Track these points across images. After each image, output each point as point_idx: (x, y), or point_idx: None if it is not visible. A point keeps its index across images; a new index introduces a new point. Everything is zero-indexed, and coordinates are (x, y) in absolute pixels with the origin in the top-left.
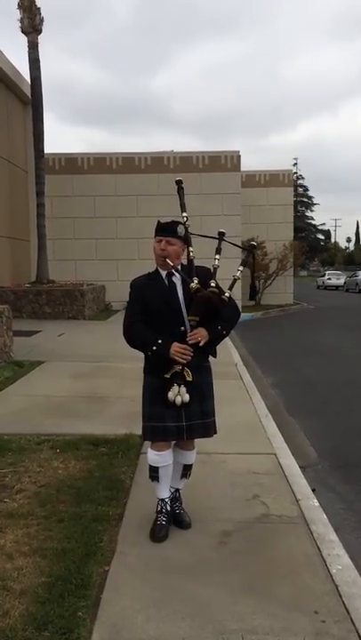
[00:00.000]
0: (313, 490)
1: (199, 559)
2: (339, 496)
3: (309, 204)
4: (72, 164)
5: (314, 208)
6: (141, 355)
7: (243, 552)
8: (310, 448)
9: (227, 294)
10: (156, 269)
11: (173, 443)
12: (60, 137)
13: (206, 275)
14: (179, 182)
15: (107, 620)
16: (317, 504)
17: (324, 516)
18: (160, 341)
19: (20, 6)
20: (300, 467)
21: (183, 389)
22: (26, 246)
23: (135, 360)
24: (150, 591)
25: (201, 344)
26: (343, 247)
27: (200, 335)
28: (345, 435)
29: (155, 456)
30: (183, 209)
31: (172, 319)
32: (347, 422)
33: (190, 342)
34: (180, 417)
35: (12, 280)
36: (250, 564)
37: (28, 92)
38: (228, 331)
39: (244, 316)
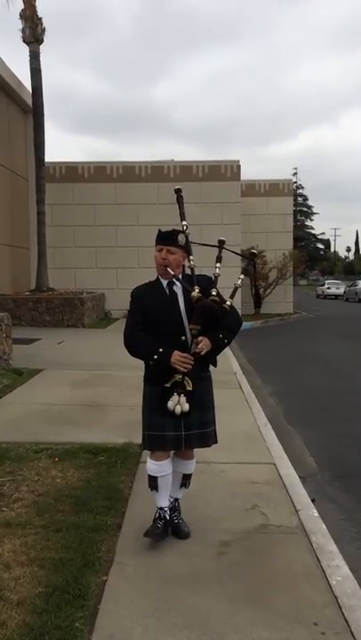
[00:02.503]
0: (312, 500)
1: (198, 570)
2: (338, 506)
3: (309, 214)
4: (73, 172)
5: (313, 217)
6: (141, 363)
7: (242, 563)
8: (310, 458)
9: (228, 303)
10: (157, 278)
11: (172, 452)
12: (61, 145)
13: (207, 283)
14: (178, 191)
15: (104, 631)
16: (317, 514)
17: (324, 527)
18: (161, 350)
19: (21, 16)
20: (299, 477)
21: (183, 399)
22: (26, 254)
23: (134, 368)
24: (149, 602)
25: (202, 353)
26: (343, 256)
27: (203, 344)
28: (344, 444)
29: (153, 465)
30: (183, 217)
31: (172, 328)
32: (346, 432)
33: (197, 351)
34: (178, 426)
35: (11, 288)
36: (249, 575)
37: (29, 101)
38: (229, 340)
39: (243, 324)
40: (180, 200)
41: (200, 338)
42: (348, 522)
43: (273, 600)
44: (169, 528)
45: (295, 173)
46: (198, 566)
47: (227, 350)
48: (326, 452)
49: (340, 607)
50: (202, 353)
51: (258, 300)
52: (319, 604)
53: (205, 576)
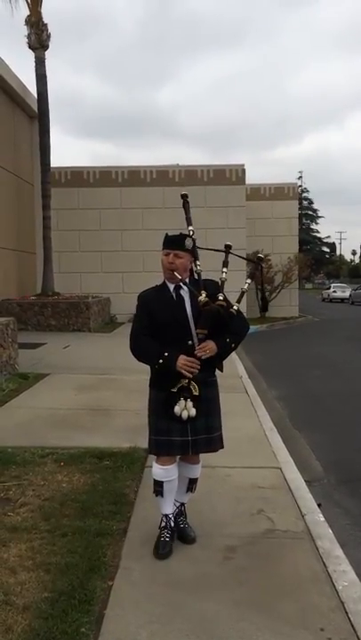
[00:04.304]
0: (319, 505)
1: (204, 574)
2: (345, 511)
3: (314, 217)
4: (78, 177)
5: (319, 221)
6: (146, 367)
7: (248, 568)
8: (316, 462)
9: (235, 307)
10: (164, 282)
11: (178, 457)
12: (66, 150)
13: (214, 288)
14: (184, 196)
15: (110, 636)
16: (323, 519)
17: (330, 532)
18: (166, 354)
19: (27, 22)
20: (305, 481)
21: (190, 404)
22: (32, 259)
23: (140, 372)
24: (154, 607)
25: (203, 357)
26: (348, 260)
27: (209, 348)
28: (351, 448)
29: (159, 470)
30: (189, 223)
31: (179, 332)
32: (353, 436)
33: (199, 355)
34: (185, 431)
35: (17, 292)
36: (255, 580)
37: (34, 106)
38: (236, 344)
39: (250, 328)
40: (186, 206)
41: (205, 342)
42: (355, 526)
43: (279, 605)
44: (175, 533)
45: (300, 177)
46: (204, 571)
47: (232, 354)
48: (332, 456)
49: (346, 612)
50: (203, 357)
51: (265, 304)
52: (325, 610)
53: (211, 581)
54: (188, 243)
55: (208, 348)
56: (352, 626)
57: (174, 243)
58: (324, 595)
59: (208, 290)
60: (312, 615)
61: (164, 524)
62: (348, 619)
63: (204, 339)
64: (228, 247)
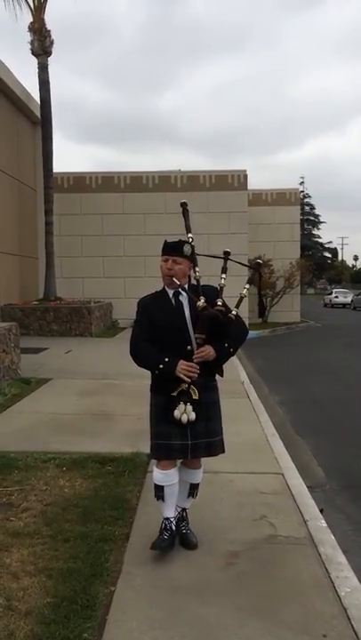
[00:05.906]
0: (321, 510)
1: (206, 580)
2: (347, 517)
3: (316, 223)
4: (80, 182)
5: (321, 226)
6: (148, 372)
7: (250, 573)
8: (318, 468)
9: (233, 312)
10: (163, 288)
11: (180, 461)
12: (68, 155)
13: (213, 293)
14: (183, 205)
15: None
16: (325, 525)
17: (333, 538)
18: (166, 359)
19: (30, 29)
20: (307, 487)
21: (189, 408)
22: (34, 264)
23: (142, 377)
24: (156, 612)
25: (195, 360)
26: (350, 265)
27: (206, 353)
28: (353, 454)
29: (159, 474)
30: (188, 230)
31: (178, 338)
32: (355, 441)
33: (196, 360)
34: (185, 435)
35: (20, 297)
36: (257, 586)
37: (37, 112)
38: (234, 349)
39: (250, 333)
40: (185, 214)
41: (203, 347)
42: (357, 532)
43: (281, 611)
44: (176, 539)
45: (302, 182)
46: (206, 577)
47: (234, 359)
48: (335, 462)
49: (349, 619)
50: (195, 360)
51: (262, 310)
52: (328, 616)
53: (214, 587)
54: (187, 249)
55: (205, 352)
56: (355, 632)
57: (173, 249)
58: (326, 601)
59: (207, 295)
60: (315, 621)
61: (164, 525)
62: (351, 625)
63: (202, 343)
64: (226, 254)
